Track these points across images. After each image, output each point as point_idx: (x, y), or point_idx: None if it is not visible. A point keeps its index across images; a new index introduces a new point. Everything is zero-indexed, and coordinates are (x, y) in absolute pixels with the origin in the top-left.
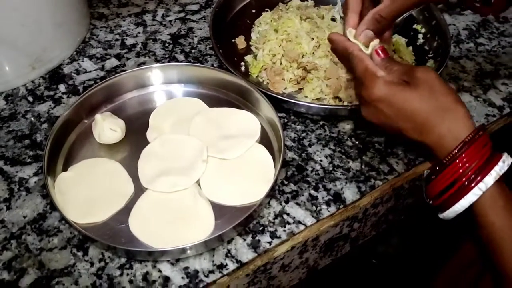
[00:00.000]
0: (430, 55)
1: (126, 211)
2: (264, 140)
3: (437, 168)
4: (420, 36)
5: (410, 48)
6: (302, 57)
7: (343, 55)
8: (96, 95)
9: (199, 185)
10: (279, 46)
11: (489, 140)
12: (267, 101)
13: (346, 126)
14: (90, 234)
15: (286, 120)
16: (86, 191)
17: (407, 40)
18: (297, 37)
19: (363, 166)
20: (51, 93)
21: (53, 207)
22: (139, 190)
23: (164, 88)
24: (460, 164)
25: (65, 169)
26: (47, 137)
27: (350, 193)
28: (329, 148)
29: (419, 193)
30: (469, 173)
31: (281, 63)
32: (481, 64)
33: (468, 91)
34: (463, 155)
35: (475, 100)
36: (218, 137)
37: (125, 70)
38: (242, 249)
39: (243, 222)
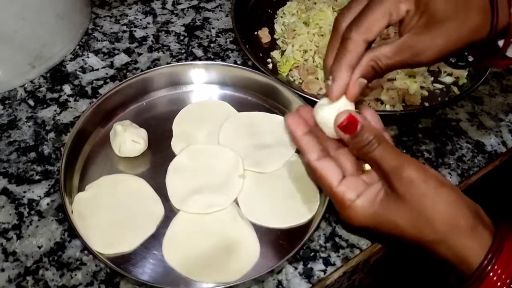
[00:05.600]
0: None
1: (157, 237)
2: None
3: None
4: None
5: None
6: None
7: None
8: (112, 98)
9: (237, 203)
10: (311, 41)
11: None
12: (306, 105)
13: (391, 132)
14: (120, 268)
15: None
16: (109, 215)
17: None
18: (331, 32)
19: None
20: (55, 95)
21: (72, 234)
22: (170, 211)
23: (185, 89)
24: (495, 278)
25: (81, 187)
26: (55, 148)
27: None
28: None
29: None
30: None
31: (313, 61)
32: None
33: None
34: (496, 266)
35: None
36: (252, 146)
37: (137, 68)
38: (295, 279)
39: (295, 251)
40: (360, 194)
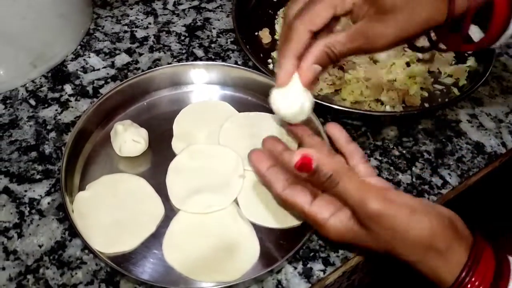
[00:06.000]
0: (469, 52)
1: (157, 236)
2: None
3: None
4: None
5: None
6: None
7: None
8: (113, 98)
9: (237, 203)
10: None
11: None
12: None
13: (390, 133)
14: (120, 267)
15: (323, 127)
16: (110, 214)
17: None
18: None
19: (414, 179)
20: (56, 95)
21: (72, 233)
22: (170, 211)
23: (186, 90)
24: None
25: (82, 187)
26: (56, 148)
27: None
28: (375, 159)
29: (469, 205)
30: None
31: None
32: None
33: None
34: (473, 278)
35: None
36: (252, 147)
37: (138, 68)
38: (294, 279)
39: (295, 251)
40: (332, 214)
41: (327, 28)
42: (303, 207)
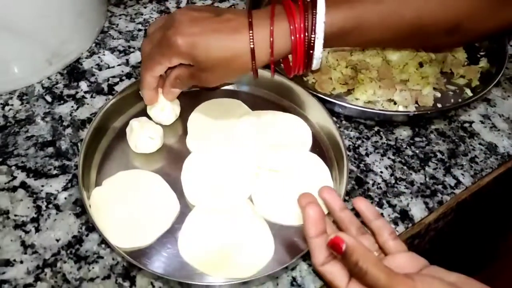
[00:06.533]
0: (482, 53)
1: (173, 232)
2: (316, 148)
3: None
4: None
5: None
6: (351, 54)
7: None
8: (129, 95)
9: (251, 200)
10: None
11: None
12: (321, 104)
13: (403, 133)
14: (137, 261)
15: (338, 126)
16: (126, 209)
17: None
18: None
19: (427, 179)
20: (72, 91)
21: (89, 228)
22: (185, 207)
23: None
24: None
25: (98, 182)
26: (73, 144)
27: (417, 209)
28: (388, 158)
29: (482, 205)
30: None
31: (327, 61)
32: None
33: None
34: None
35: None
36: (266, 145)
37: None
38: (308, 276)
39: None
40: None
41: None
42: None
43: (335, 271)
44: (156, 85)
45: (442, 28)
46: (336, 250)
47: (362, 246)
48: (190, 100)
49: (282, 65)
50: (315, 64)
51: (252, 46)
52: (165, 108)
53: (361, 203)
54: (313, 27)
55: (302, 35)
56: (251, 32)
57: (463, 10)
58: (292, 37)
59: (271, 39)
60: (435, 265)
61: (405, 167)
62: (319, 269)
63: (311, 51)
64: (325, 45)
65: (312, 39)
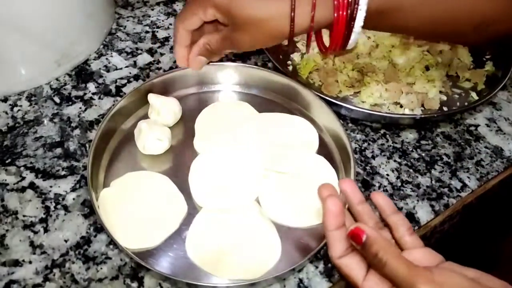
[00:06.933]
0: (487, 56)
1: (180, 233)
2: (323, 150)
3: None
4: None
5: (466, 48)
6: (358, 57)
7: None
8: (137, 97)
9: (258, 202)
10: None
11: None
12: (328, 107)
13: (409, 136)
14: (144, 262)
15: (344, 128)
16: (134, 211)
17: None
18: None
19: (433, 182)
20: (80, 93)
21: (97, 229)
22: (193, 208)
23: (207, 90)
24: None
25: (106, 183)
26: (81, 145)
27: (423, 212)
28: (394, 161)
29: (487, 208)
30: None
31: (333, 63)
32: None
33: None
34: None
35: None
36: (273, 147)
37: (160, 68)
38: (315, 278)
39: (317, 250)
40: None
41: (213, 25)
42: (357, 281)
43: (353, 264)
44: (189, 43)
45: (470, 23)
46: (356, 241)
47: (382, 238)
48: (196, 102)
49: (315, 42)
50: (352, 40)
51: (293, 8)
52: (160, 112)
53: (379, 197)
54: (356, 1)
55: (345, 2)
56: None
57: (490, 8)
58: (335, 3)
59: (314, 1)
60: (450, 261)
61: (411, 170)
62: (336, 262)
63: (352, 23)
64: (365, 23)
65: (355, 10)
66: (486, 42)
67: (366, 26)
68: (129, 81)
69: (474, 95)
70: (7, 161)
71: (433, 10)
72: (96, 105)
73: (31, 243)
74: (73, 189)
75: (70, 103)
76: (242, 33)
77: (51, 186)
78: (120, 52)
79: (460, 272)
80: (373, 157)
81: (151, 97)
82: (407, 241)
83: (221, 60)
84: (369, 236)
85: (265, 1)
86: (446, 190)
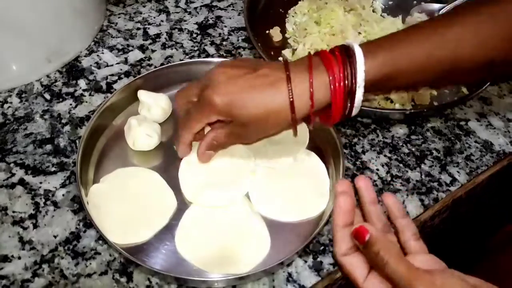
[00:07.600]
0: None
1: (170, 229)
2: (313, 145)
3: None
4: None
5: None
6: None
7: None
8: (127, 93)
9: (248, 198)
10: (322, 40)
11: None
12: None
13: (400, 131)
14: (134, 257)
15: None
16: (124, 206)
17: None
18: (342, 31)
19: (423, 176)
20: (71, 89)
21: (87, 224)
22: (182, 204)
23: None
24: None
25: (96, 179)
26: (71, 141)
27: (413, 207)
28: (385, 156)
29: (475, 202)
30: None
31: None
32: None
33: None
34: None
35: None
36: (263, 142)
37: (151, 64)
38: (304, 272)
39: (305, 245)
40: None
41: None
42: (358, 280)
43: (355, 263)
44: (192, 140)
45: (475, 66)
46: (359, 239)
47: (385, 238)
48: None
49: (318, 118)
50: (354, 112)
51: (291, 99)
52: (151, 108)
53: (390, 199)
54: (353, 76)
55: (342, 84)
56: (289, 85)
57: (496, 48)
58: (332, 87)
59: (311, 90)
60: (452, 269)
61: (401, 165)
62: (340, 259)
63: (351, 99)
64: (365, 93)
65: (354, 87)
66: (494, 80)
67: (367, 92)
68: (120, 78)
69: (464, 90)
70: None
71: (433, 65)
72: (86, 102)
73: (20, 239)
74: (63, 185)
75: (61, 99)
76: (247, 129)
77: (41, 182)
78: (111, 48)
79: (461, 278)
80: (363, 152)
81: (141, 93)
82: (412, 246)
83: (211, 56)
84: (372, 235)
85: (262, 97)
86: (435, 184)
